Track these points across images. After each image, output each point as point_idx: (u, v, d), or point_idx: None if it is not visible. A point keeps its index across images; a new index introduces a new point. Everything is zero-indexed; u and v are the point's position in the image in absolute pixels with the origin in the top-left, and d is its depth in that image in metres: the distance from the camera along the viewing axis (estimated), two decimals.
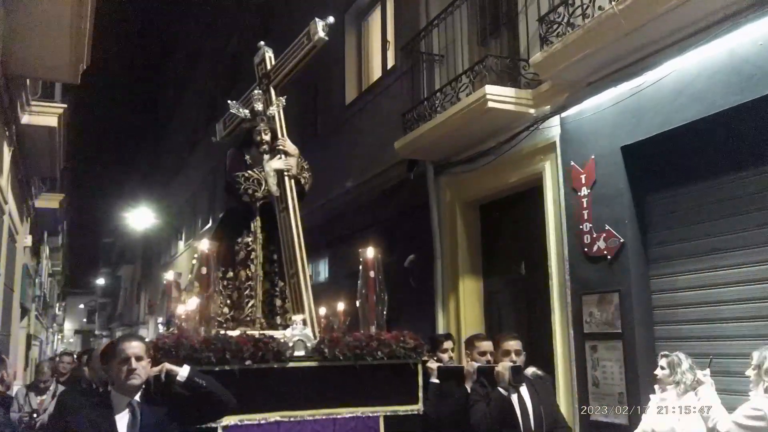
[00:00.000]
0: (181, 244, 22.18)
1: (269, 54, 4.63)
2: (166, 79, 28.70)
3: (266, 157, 4.36)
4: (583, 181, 5.72)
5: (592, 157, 5.67)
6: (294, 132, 4.61)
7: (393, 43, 9.17)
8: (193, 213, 20.83)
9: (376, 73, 9.81)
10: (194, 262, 3.76)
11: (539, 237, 6.36)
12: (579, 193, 5.75)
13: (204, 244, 3.70)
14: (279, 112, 4.47)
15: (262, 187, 4.21)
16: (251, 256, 4.26)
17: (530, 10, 6.35)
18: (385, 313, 3.90)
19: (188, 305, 3.60)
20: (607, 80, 5.54)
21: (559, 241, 6.00)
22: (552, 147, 6.17)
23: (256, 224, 4.31)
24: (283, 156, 4.34)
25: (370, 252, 3.84)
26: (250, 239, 4.27)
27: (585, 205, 5.69)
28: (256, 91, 4.52)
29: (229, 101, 4.60)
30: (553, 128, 6.17)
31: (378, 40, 9.79)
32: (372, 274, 3.85)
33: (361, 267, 3.90)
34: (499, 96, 6.29)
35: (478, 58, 7.18)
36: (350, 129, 9.91)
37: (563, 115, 6.03)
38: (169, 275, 4.28)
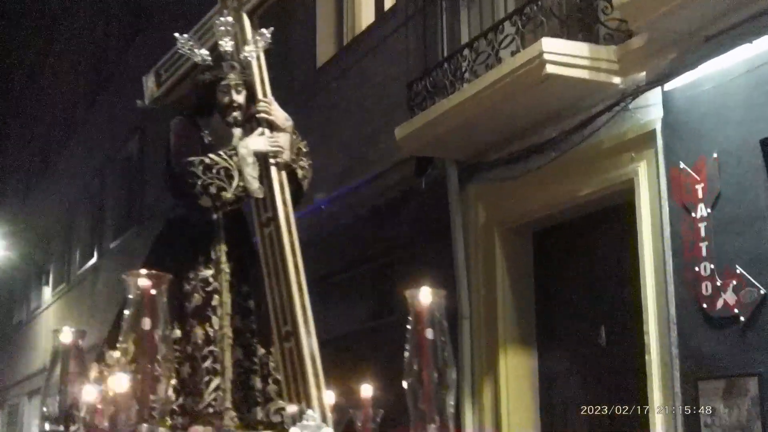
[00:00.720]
0: (48, 292, 22.28)
1: None
2: (18, 30, 28.86)
3: (238, 132, 4.44)
4: (700, 194, 5.72)
5: (714, 155, 5.66)
6: None
7: None
8: (66, 241, 20.96)
9: (366, 16, 9.84)
10: (127, 311, 3.37)
11: (628, 284, 6.34)
12: (692, 213, 5.75)
13: (140, 275, 3.22)
14: (260, 56, 4.53)
15: (233, 183, 4.25)
16: (212, 302, 4.29)
17: None
18: (452, 403, 3.55)
19: (111, 385, 3.25)
20: (737, 33, 5.51)
21: (660, 292, 5.98)
22: (649, 138, 6.18)
23: (220, 248, 4.37)
24: (267, 130, 4.40)
25: (423, 296, 3.24)
26: (209, 273, 4.34)
27: (702, 233, 5.68)
28: (220, 19, 4.52)
29: (176, 35, 4.61)
30: (650, 108, 6.17)
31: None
32: (430, 335, 3.21)
33: (410, 323, 3.50)
34: (564, 55, 6.29)
35: None
36: (323, 106, 9.94)
37: (667, 87, 6.02)
38: (65, 335, 3.88)
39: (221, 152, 4.29)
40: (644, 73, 6.21)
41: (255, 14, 4.64)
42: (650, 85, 6.16)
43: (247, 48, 4.51)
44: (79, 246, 19.83)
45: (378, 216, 8.93)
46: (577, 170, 6.77)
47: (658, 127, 6.09)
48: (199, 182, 4.21)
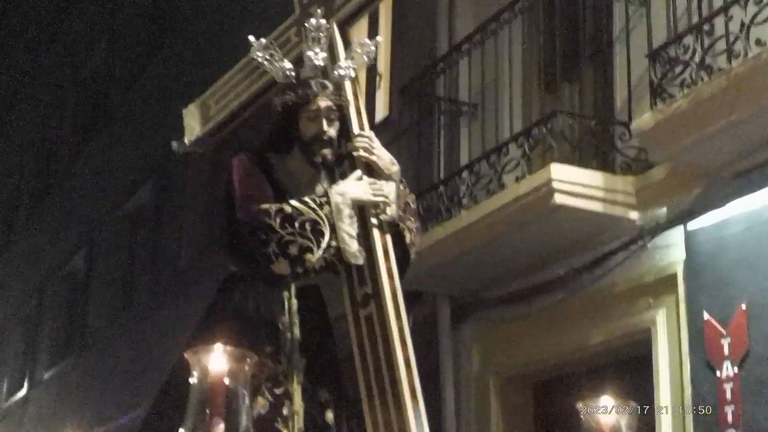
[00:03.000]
0: None
1: None
2: None
3: (323, 174, 3.90)
4: (726, 350, 5.71)
5: (743, 306, 5.69)
6: None
7: (387, 78, 9.40)
8: None
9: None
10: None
11: None
12: (717, 372, 5.73)
13: (213, 350, 2.57)
14: (355, 77, 3.99)
15: (323, 243, 3.63)
16: (282, 411, 3.70)
17: (634, 38, 6.54)
18: None
19: None
20: None
21: None
22: (669, 283, 6.22)
23: (293, 336, 3.80)
24: (364, 175, 3.81)
25: None
26: (280, 369, 3.74)
27: (728, 396, 5.65)
28: (312, 22, 3.91)
29: (252, 38, 3.98)
30: (671, 249, 6.24)
31: (362, 71, 10.05)
32: None
33: None
34: (576, 184, 6.40)
35: (539, 113, 7.31)
36: None
37: (690, 227, 6.10)
38: None
39: (307, 199, 3.69)
40: (665, 209, 6.29)
41: (346, 27, 4.12)
42: (671, 222, 6.24)
43: (342, 63, 3.92)
44: (8, 374, 19.56)
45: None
46: (587, 315, 6.77)
47: (680, 270, 6.13)
48: (275, 239, 3.58)
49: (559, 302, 6.98)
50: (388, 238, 3.82)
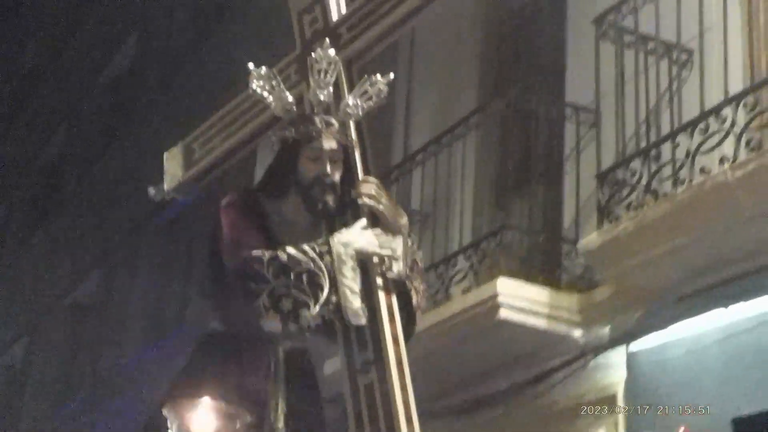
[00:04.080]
0: None
1: None
2: None
3: (322, 223, 3.50)
4: None
5: (682, 429, 5.63)
6: None
7: None
8: None
9: None
10: None
11: None
12: None
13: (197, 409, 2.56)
14: (359, 117, 3.58)
15: (321, 297, 3.23)
16: None
17: (584, 158, 6.68)
18: None
19: None
20: (712, 295, 5.69)
21: None
22: (610, 403, 6.21)
23: (279, 405, 3.44)
24: (369, 225, 3.41)
25: None
26: None
27: None
28: (320, 51, 3.50)
29: (250, 65, 3.57)
30: (613, 369, 6.25)
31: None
32: None
33: None
34: (521, 299, 6.42)
35: (488, 227, 7.39)
36: None
37: (633, 348, 6.13)
38: None
39: (305, 247, 3.28)
40: (608, 329, 6.32)
41: (352, 66, 3.69)
42: (614, 342, 6.26)
43: (350, 101, 3.50)
44: None
45: None
46: (528, 431, 6.72)
47: (621, 391, 6.14)
48: (267, 290, 3.20)
49: (501, 416, 6.91)
50: (394, 298, 3.40)
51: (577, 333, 6.46)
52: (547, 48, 7.79)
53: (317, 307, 3.23)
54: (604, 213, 5.98)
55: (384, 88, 3.50)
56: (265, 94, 3.53)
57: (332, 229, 3.41)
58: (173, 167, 4.11)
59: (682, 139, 5.64)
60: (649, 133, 5.99)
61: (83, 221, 15.12)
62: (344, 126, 3.51)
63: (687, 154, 5.56)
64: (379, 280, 3.39)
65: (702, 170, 5.48)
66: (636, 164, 5.92)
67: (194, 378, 3.40)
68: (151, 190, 4.12)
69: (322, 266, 3.26)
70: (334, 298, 3.25)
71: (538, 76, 7.45)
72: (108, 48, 15.96)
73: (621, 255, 5.84)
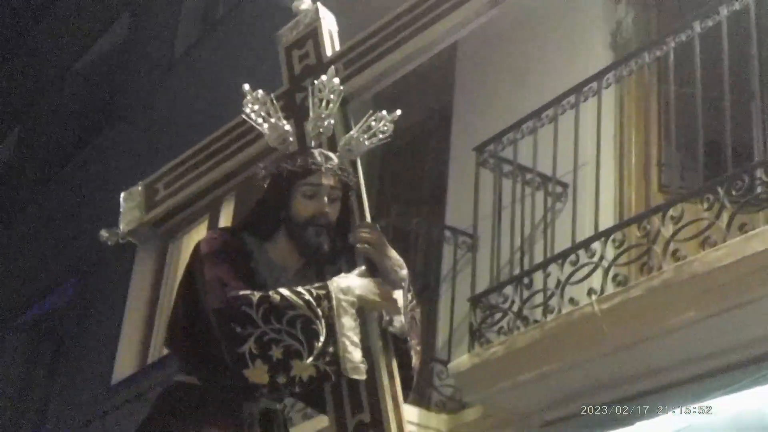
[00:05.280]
0: None
1: (324, 18, 3.55)
2: None
3: (312, 269, 3.18)
4: None
5: None
6: None
7: None
8: None
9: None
10: None
11: None
12: None
13: None
14: (359, 155, 3.30)
15: (315, 348, 2.86)
16: None
17: (460, 280, 6.82)
18: None
19: None
20: (578, 423, 5.82)
21: None
22: None
23: None
24: (365, 272, 3.08)
25: None
26: None
27: None
28: (323, 79, 3.21)
29: (245, 86, 3.23)
30: None
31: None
32: None
33: None
34: None
35: None
36: None
37: None
38: None
39: (300, 290, 2.92)
40: None
41: (348, 105, 3.41)
42: None
43: (354, 134, 3.20)
44: None
45: None
46: None
47: None
48: (255, 335, 2.82)
49: None
50: (392, 356, 3.07)
51: None
52: (431, 170, 8.01)
53: (311, 358, 2.84)
54: (476, 336, 6.09)
55: (390, 126, 3.21)
56: (260, 120, 3.19)
57: (322, 278, 3.07)
58: (131, 208, 3.70)
59: (553, 268, 5.82)
60: (522, 261, 6.15)
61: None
62: (344, 163, 3.18)
63: (557, 284, 5.74)
64: (378, 335, 3.05)
65: (571, 300, 5.66)
66: (509, 290, 6.07)
67: None
68: (104, 233, 3.70)
69: (319, 312, 2.89)
70: (331, 349, 2.87)
71: (420, 197, 7.61)
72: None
73: (490, 378, 5.93)
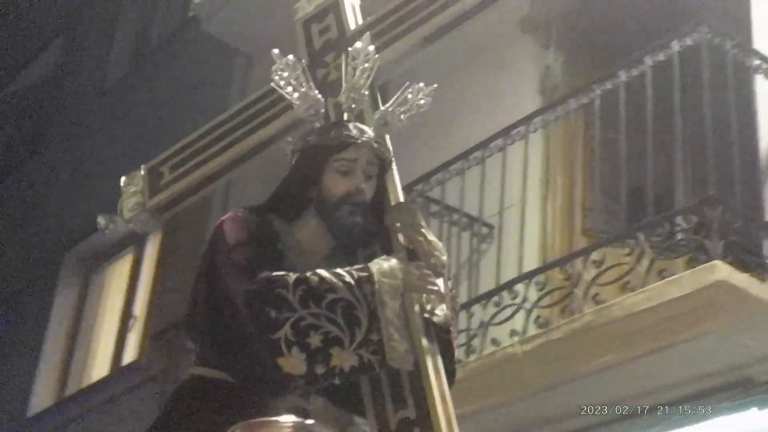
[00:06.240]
0: None
1: None
2: None
3: (342, 254, 2.89)
4: None
5: None
6: None
7: (143, 321, 9.43)
8: None
9: (100, 368, 9.88)
10: None
11: None
12: None
13: None
14: (394, 130, 3.03)
15: (358, 335, 2.60)
16: None
17: None
18: None
19: None
20: None
21: None
22: None
23: None
24: (404, 258, 2.79)
25: None
26: None
27: None
28: (358, 46, 2.93)
29: (275, 51, 2.96)
30: None
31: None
32: None
33: None
34: None
35: None
36: None
37: None
38: None
39: (341, 271, 2.66)
40: None
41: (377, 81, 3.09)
42: None
43: (390, 107, 2.94)
44: None
45: None
46: None
47: None
48: (291, 320, 2.57)
49: None
50: (436, 346, 2.76)
51: None
52: None
53: (353, 345, 2.58)
54: None
55: (428, 100, 2.97)
56: (289, 89, 2.93)
57: (355, 262, 2.78)
58: (133, 194, 3.36)
59: (477, 309, 5.88)
60: None
61: None
62: (382, 136, 2.93)
63: (480, 325, 5.80)
64: (421, 324, 2.73)
65: (493, 341, 5.72)
66: None
67: None
68: (101, 220, 3.41)
69: (360, 297, 2.61)
70: (375, 337, 2.60)
71: None
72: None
73: None
